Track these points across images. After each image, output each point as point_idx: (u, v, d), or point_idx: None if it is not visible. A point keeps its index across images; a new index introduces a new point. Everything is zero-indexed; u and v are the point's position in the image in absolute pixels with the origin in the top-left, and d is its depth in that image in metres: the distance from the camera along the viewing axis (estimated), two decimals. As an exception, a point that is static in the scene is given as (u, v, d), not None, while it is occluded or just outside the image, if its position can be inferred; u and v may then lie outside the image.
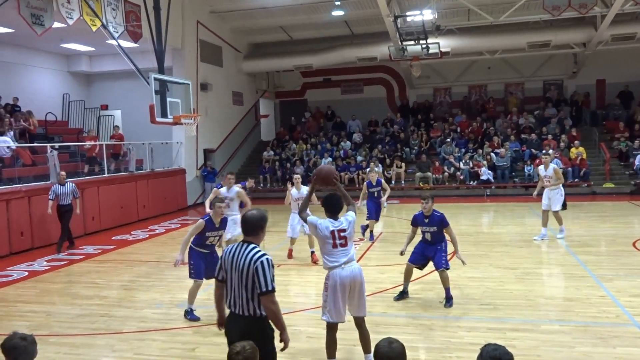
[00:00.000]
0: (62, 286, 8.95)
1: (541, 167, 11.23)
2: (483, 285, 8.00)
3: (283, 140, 24.35)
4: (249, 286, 3.78)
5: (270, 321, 3.83)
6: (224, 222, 7.06)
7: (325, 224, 5.00)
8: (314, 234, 5.12)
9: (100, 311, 7.49)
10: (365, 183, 11.72)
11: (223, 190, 9.40)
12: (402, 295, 7.48)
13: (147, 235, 13.77)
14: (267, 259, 3.79)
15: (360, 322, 5.18)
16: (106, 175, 15.51)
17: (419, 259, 7.35)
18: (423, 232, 7.33)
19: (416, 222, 7.32)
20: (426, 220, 7.18)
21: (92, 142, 15.99)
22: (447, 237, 7.26)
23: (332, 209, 5.06)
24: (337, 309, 4.96)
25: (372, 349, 3.22)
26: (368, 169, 11.48)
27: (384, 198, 11.70)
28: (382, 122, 24.17)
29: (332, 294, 4.94)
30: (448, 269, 7.13)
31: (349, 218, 5.07)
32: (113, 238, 13.37)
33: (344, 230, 4.97)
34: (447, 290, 7.10)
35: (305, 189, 9.39)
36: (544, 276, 8.56)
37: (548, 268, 9.11)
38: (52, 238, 12.54)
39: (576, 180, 18.54)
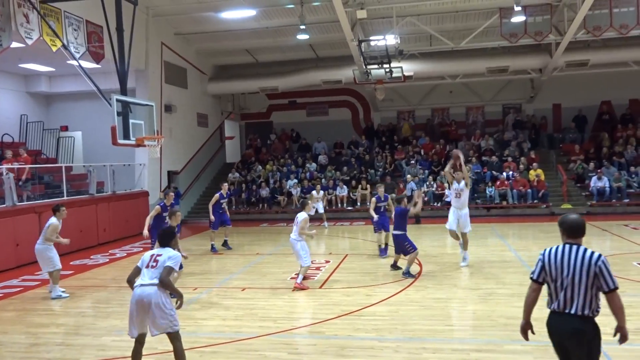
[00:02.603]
0: (15, 314, 8.57)
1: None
2: (447, 306, 8.07)
3: (248, 162, 24.27)
4: (588, 287, 3.98)
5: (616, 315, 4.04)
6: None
7: (152, 251, 5.61)
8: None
9: (57, 340, 7.19)
10: (374, 197, 12.32)
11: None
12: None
13: (107, 260, 13.39)
14: (605, 258, 4.01)
15: (170, 340, 5.45)
16: (65, 198, 15.06)
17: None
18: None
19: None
20: None
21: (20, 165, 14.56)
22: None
23: (161, 240, 5.69)
24: (130, 323, 5.36)
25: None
26: (377, 185, 12.73)
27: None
28: (348, 144, 24.41)
29: (130, 309, 5.38)
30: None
31: (170, 254, 5.47)
32: (71, 263, 12.92)
33: (160, 255, 5.47)
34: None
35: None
36: (506, 296, 8.67)
37: (510, 288, 9.25)
38: (9, 263, 12.09)
39: (535, 201, 19.06)
